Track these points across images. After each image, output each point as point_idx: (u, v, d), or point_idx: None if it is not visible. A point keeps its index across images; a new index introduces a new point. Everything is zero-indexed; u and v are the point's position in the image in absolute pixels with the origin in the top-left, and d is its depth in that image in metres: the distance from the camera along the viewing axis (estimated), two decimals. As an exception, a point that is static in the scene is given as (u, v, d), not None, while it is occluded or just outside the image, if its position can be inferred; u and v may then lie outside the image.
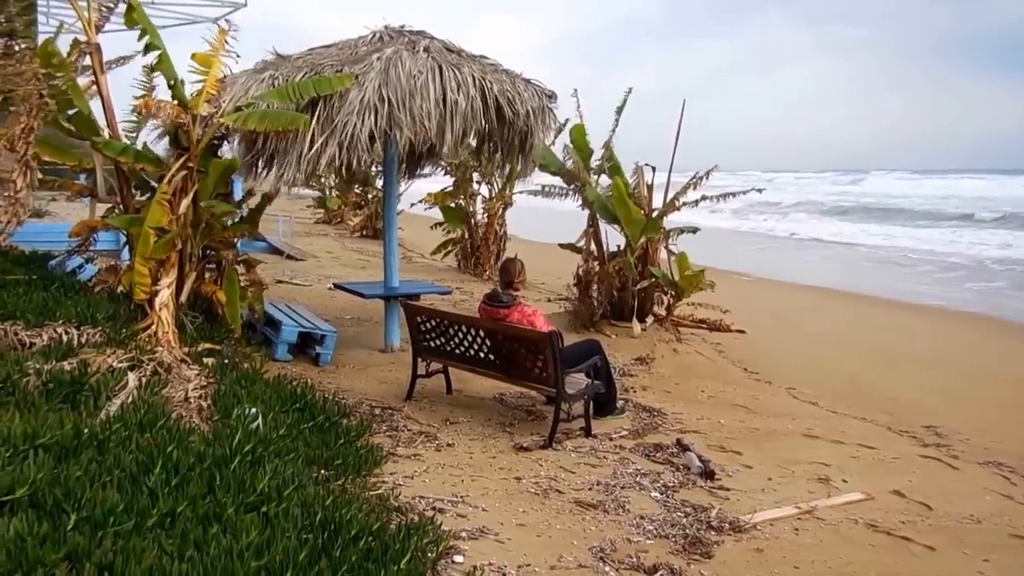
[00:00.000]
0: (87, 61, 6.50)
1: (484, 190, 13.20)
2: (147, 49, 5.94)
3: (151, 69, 6.32)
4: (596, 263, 8.75)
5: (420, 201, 13.71)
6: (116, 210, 6.61)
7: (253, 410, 4.33)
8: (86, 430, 3.46)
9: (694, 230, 8.79)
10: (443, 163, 11.96)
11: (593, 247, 8.84)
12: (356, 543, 2.91)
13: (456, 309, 8.91)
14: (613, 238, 8.79)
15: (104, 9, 6.53)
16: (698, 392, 6.86)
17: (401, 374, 6.49)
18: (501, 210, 13.12)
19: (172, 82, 5.95)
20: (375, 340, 7.69)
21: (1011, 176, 50.82)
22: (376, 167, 13.04)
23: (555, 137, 8.50)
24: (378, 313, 8.19)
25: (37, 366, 4.29)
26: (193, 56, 5.90)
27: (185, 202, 5.87)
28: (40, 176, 6.50)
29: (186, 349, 5.37)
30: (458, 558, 3.42)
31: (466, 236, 13.46)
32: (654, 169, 8.75)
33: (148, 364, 4.73)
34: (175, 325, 5.60)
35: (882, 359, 8.53)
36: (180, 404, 4.32)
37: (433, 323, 5.82)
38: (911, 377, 7.84)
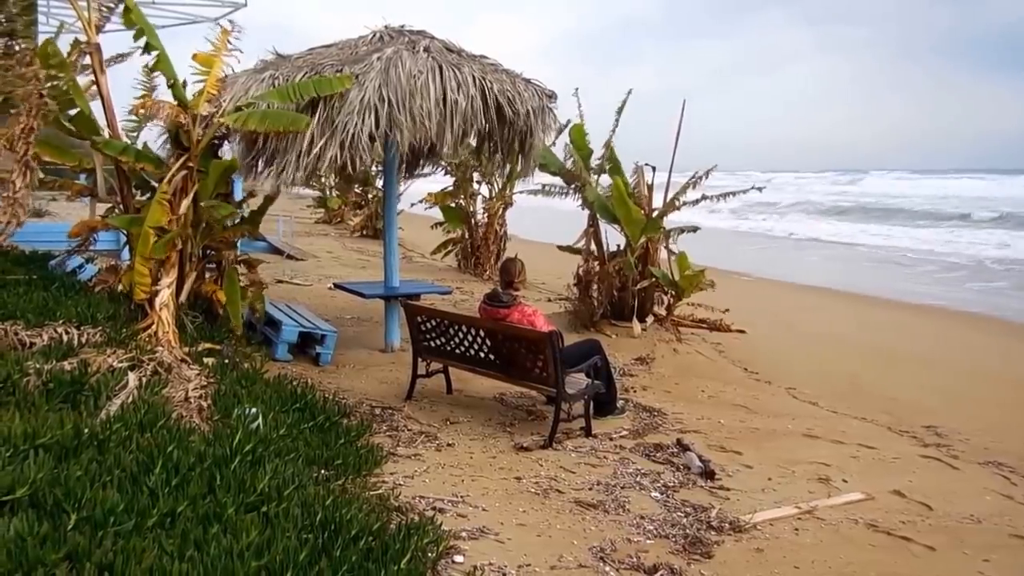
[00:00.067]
0: (87, 60, 6.50)
1: (484, 190, 13.20)
2: (146, 49, 5.94)
3: (151, 69, 6.33)
4: (596, 263, 8.75)
5: (420, 201, 13.71)
6: (116, 210, 6.61)
7: (253, 410, 4.34)
8: (86, 430, 3.46)
9: (694, 229, 8.80)
10: (443, 163, 11.96)
11: (593, 247, 8.84)
12: (356, 543, 2.91)
13: (456, 309, 8.91)
14: (613, 238, 8.79)
15: (104, 9, 6.53)
16: (698, 392, 6.86)
17: (401, 374, 6.49)
18: (501, 210, 13.12)
19: (171, 82, 5.95)
20: (375, 340, 7.69)
21: (1011, 176, 50.85)
22: (376, 167, 13.04)
23: (556, 137, 8.50)
24: (378, 313, 8.19)
25: (37, 366, 4.29)
26: (194, 56, 5.90)
27: (185, 202, 5.88)
28: (40, 176, 6.50)
29: (186, 349, 5.37)
30: (458, 558, 3.42)
31: (466, 236, 13.46)
32: (654, 169, 8.76)
33: (148, 364, 4.73)
34: (175, 325, 5.60)
35: (882, 359, 8.53)
36: (180, 404, 4.32)
37: (433, 323, 5.82)
38: (911, 377, 7.84)
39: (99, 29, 6.45)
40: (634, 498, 4.36)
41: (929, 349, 9.25)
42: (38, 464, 2.96)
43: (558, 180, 9.03)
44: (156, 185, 6.01)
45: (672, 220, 8.77)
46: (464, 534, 3.69)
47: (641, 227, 8.39)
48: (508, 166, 10.20)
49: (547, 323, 5.58)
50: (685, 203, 8.60)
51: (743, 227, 27.29)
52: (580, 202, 8.73)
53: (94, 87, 6.53)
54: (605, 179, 8.76)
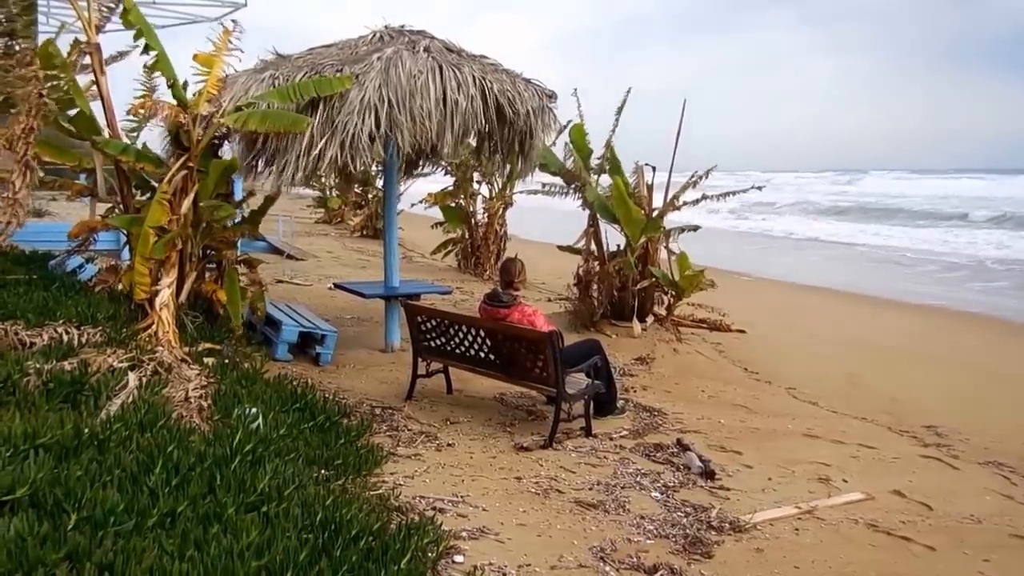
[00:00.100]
0: (87, 60, 6.50)
1: (484, 190, 13.20)
2: (144, 50, 5.94)
3: (150, 69, 6.33)
4: (596, 263, 8.75)
5: (420, 201, 13.71)
6: (116, 210, 6.61)
7: (253, 410, 4.34)
8: (86, 430, 3.46)
9: (695, 228, 8.80)
10: (443, 163, 11.97)
11: (593, 247, 8.84)
12: (356, 543, 2.91)
13: (456, 309, 8.91)
14: (613, 238, 8.79)
15: (105, 9, 6.53)
16: (698, 392, 6.86)
17: (401, 374, 6.49)
18: (501, 210, 13.12)
19: (171, 82, 5.95)
20: (375, 340, 7.69)
21: (1011, 176, 50.88)
22: (376, 167, 13.05)
23: (556, 137, 8.51)
24: (378, 313, 8.19)
25: (37, 366, 4.29)
26: (195, 56, 5.90)
27: (186, 202, 5.87)
28: (41, 175, 6.50)
29: (186, 349, 5.37)
30: (458, 558, 3.42)
31: (466, 236, 13.46)
32: (654, 169, 8.76)
33: (148, 364, 4.73)
34: (175, 325, 5.60)
35: (882, 359, 8.53)
36: (180, 404, 4.32)
37: (433, 323, 5.82)
38: (911, 377, 7.84)
39: (99, 29, 6.45)
40: (634, 498, 4.36)
41: (929, 349, 9.24)
42: (38, 464, 2.96)
43: (558, 180, 9.04)
44: (156, 185, 6.01)
45: (672, 220, 8.77)
46: (464, 534, 3.69)
47: (641, 227, 8.39)
48: (508, 166, 10.20)
49: (547, 323, 5.58)
50: (685, 203, 8.61)
51: (742, 227, 27.29)
52: (580, 202, 8.73)
53: (94, 87, 6.53)
54: (605, 179, 8.77)
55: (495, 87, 6.40)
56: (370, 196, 19.59)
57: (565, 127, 8.96)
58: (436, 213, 13.95)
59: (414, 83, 5.98)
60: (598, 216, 8.69)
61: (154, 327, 5.42)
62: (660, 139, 9.26)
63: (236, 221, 6.84)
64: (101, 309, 5.68)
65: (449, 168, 12.73)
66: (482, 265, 13.12)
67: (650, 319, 8.51)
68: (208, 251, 6.51)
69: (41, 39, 6.98)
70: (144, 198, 6.42)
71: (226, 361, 5.41)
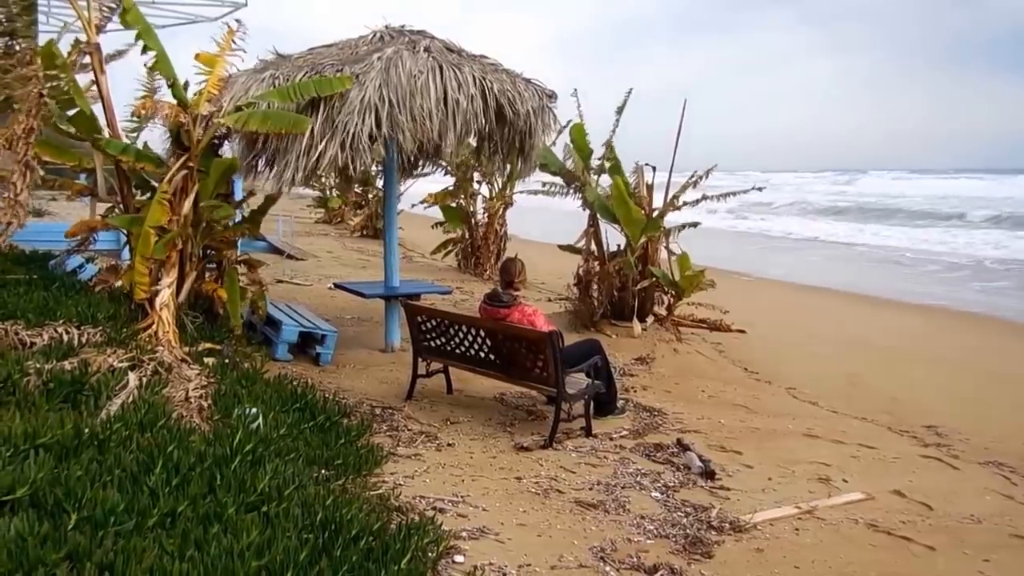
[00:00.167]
0: (87, 60, 6.50)
1: (484, 190, 13.20)
2: (144, 50, 5.94)
3: (150, 69, 6.33)
4: (596, 263, 8.76)
5: (421, 202, 13.71)
6: (116, 210, 6.61)
7: (254, 410, 4.34)
8: (87, 430, 3.46)
9: (695, 224, 8.79)
10: (443, 163, 11.97)
11: (593, 247, 8.85)
12: (357, 543, 2.91)
13: (456, 309, 8.91)
14: (613, 238, 8.79)
15: (106, 9, 6.53)
16: (698, 392, 6.86)
17: (401, 374, 6.49)
18: (501, 210, 13.12)
19: (171, 82, 5.95)
20: (375, 340, 7.69)
21: (1010, 176, 50.89)
22: (376, 167, 13.06)
23: (555, 137, 8.51)
24: (378, 313, 8.19)
25: (37, 366, 4.29)
26: (197, 56, 5.90)
27: (187, 202, 5.88)
28: (41, 175, 6.50)
29: (186, 349, 5.37)
30: (459, 558, 3.42)
31: (466, 236, 13.46)
32: (654, 169, 8.76)
33: (148, 364, 4.73)
34: (175, 325, 5.60)
35: (882, 359, 8.53)
36: (181, 404, 4.32)
37: (433, 323, 5.82)
38: (911, 377, 7.84)
39: (99, 29, 6.45)
40: (634, 498, 4.36)
41: (929, 349, 9.24)
42: (38, 464, 2.96)
43: (558, 180, 9.04)
44: (156, 185, 6.01)
45: (672, 220, 8.77)
46: (464, 534, 3.69)
47: (641, 227, 8.39)
48: (508, 166, 10.20)
49: (547, 323, 5.58)
50: (685, 203, 8.61)
51: (740, 227, 27.28)
52: (580, 202, 8.73)
53: (94, 87, 6.52)
54: (605, 179, 8.77)
55: (495, 87, 6.41)
56: (370, 196, 19.60)
57: (565, 126, 8.97)
58: (436, 213, 13.95)
59: (414, 83, 5.98)
60: (598, 216, 8.69)
61: (154, 327, 5.42)
62: (660, 139, 9.27)
63: (236, 221, 6.84)
64: (101, 309, 5.68)
65: (449, 168, 12.73)
66: (482, 265, 13.12)
67: (650, 319, 8.52)
68: (208, 251, 6.51)
69: (42, 39, 6.98)
70: (144, 198, 6.42)
71: (226, 361, 5.41)
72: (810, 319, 10.90)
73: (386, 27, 6.79)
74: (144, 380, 4.44)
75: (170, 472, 3.16)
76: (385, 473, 4.34)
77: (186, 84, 6.06)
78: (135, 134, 6.86)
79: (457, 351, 5.75)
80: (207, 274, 6.52)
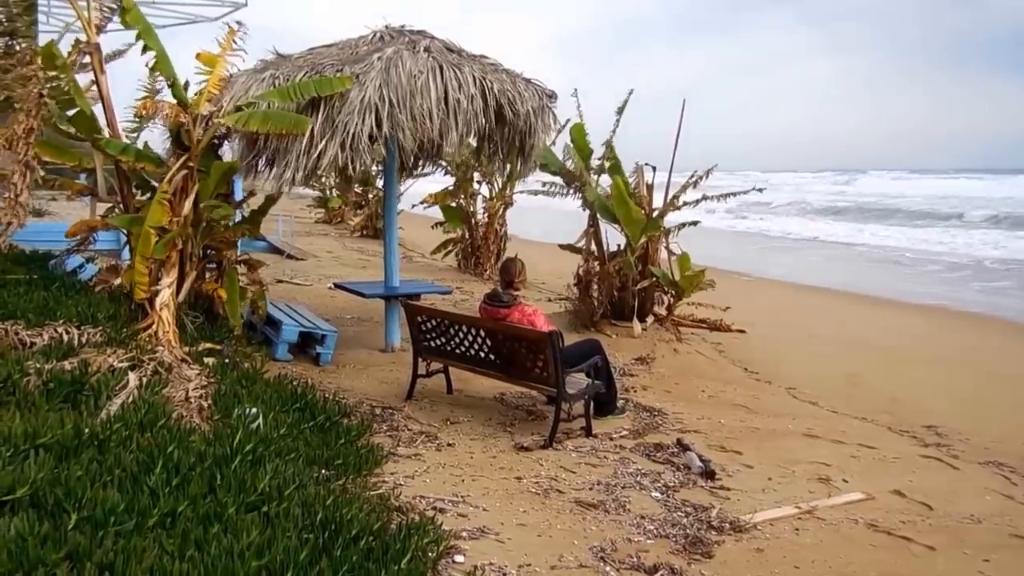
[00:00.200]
0: (87, 60, 6.50)
1: (484, 190, 13.20)
2: (144, 50, 5.94)
3: (150, 69, 6.33)
4: (596, 263, 8.76)
5: (421, 202, 13.71)
6: (116, 210, 6.61)
7: (254, 410, 4.34)
8: (87, 430, 3.46)
9: (695, 223, 8.79)
10: (443, 163, 11.97)
11: (593, 247, 8.85)
12: (357, 543, 2.91)
13: (456, 309, 8.91)
14: (613, 238, 8.79)
15: (106, 10, 6.53)
16: (698, 392, 6.86)
17: (401, 374, 6.49)
18: (501, 210, 13.12)
19: (171, 81, 5.95)
20: (375, 340, 7.69)
21: (1010, 176, 50.92)
22: (376, 167, 13.06)
23: (555, 136, 8.52)
24: (378, 313, 8.19)
25: (38, 366, 4.29)
26: (198, 56, 5.91)
27: (187, 203, 5.88)
28: (41, 175, 6.50)
29: (186, 349, 5.37)
30: (459, 558, 3.42)
31: (466, 236, 13.46)
32: (654, 169, 8.77)
33: (148, 364, 4.73)
34: (175, 325, 5.60)
35: (882, 359, 8.53)
36: (181, 404, 4.32)
37: (434, 323, 5.82)
38: (911, 377, 7.84)
39: (100, 29, 6.45)
40: (634, 498, 4.36)
41: (929, 349, 9.25)
42: (39, 464, 2.96)
43: (558, 180, 9.04)
44: (156, 185, 6.01)
45: (672, 220, 8.78)
46: (464, 534, 3.69)
47: (641, 227, 8.39)
48: (508, 166, 10.20)
49: (547, 323, 5.58)
50: (685, 203, 8.61)
51: (739, 227, 27.26)
52: (580, 202, 8.73)
53: (94, 87, 6.53)
54: (605, 179, 8.77)
55: (495, 87, 6.41)
56: (370, 196, 19.60)
57: (564, 125, 8.98)
58: (436, 213, 13.96)
59: (414, 83, 5.98)
60: (598, 216, 8.69)
61: (154, 327, 5.42)
62: (660, 139, 9.28)
63: (236, 221, 6.84)
64: (101, 309, 5.68)
65: (449, 168, 12.74)
66: (482, 265, 13.12)
67: (650, 319, 8.51)
68: (208, 251, 6.51)
69: (43, 39, 6.98)
70: (144, 198, 6.42)
71: (226, 361, 5.41)
72: (810, 319, 10.90)
73: (386, 27, 6.79)
74: (144, 380, 4.44)
75: (170, 472, 3.16)
76: (385, 473, 4.34)
77: (186, 84, 6.06)
78: (135, 134, 6.85)
79: (457, 351, 5.75)
80: (207, 274, 6.52)
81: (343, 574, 2.68)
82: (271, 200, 6.94)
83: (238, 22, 6.18)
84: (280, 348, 6.71)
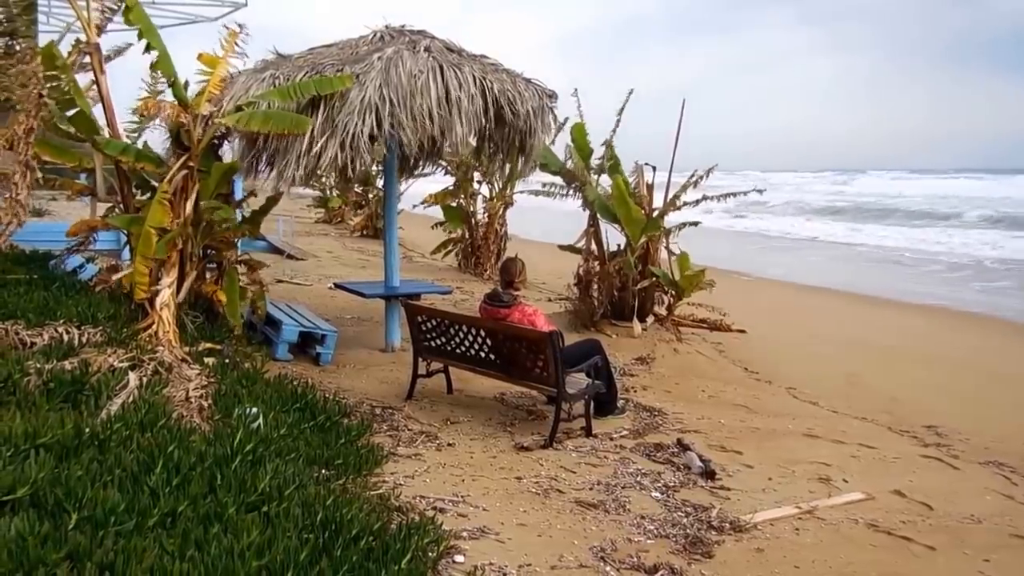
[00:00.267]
0: (86, 60, 6.51)
1: (484, 190, 13.20)
2: (146, 49, 5.94)
3: (151, 68, 6.33)
4: (596, 263, 8.76)
5: (422, 203, 13.71)
6: (116, 210, 6.61)
7: (254, 410, 4.34)
8: (87, 429, 3.46)
9: (696, 223, 8.79)
10: (443, 163, 11.97)
11: (593, 247, 8.84)
12: (357, 543, 2.91)
13: (456, 309, 8.91)
14: (613, 237, 8.79)
15: (107, 11, 6.53)
16: (698, 392, 6.86)
17: (402, 374, 6.49)
18: (501, 210, 13.12)
19: (172, 81, 5.96)
20: (376, 340, 7.69)
21: (1009, 176, 50.94)
22: (377, 167, 13.06)
23: (555, 136, 8.51)
24: (379, 313, 8.19)
25: (38, 365, 4.29)
26: (200, 57, 5.91)
27: (188, 203, 5.88)
28: (41, 175, 6.50)
29: (187, 349, 5.37)
30: (459, 558, 3.42)
31: (466, 236, 13.46)
32: (654, 169, 8.77)
33: (149, 364, 4.73)
34: (175, 325, 5.60)
35: (882, 359, 8.53)
36: (181, 404, 4.32)
37: (434, 323, 5.82)
38: (911, 377, 7.84)
39: (100, 30, 6.45)
40: (635, 498, 4.36)
41: (929, 349, 9.25)
42: (39, 464, 2.96)
43: (558, 180, 9.04)
44: (156, 185, 6.01)
45: (672, 221, 8.78)
46: (465, 534, 3.69)
47: (641, 227, 8.39)
48: (508, 166, 10.20)
49: (548, 323, 5.58)
50: (685, 203, 8.61)
51: (738, 226, 27.24)
52: (580, 202, 8.73)
53: (94, 87, 6.53)
54: (605, 179, 8.77)
55: (495, 87, 6.41)
56: (370, 196, 19.60)
57: (563, 124, 8.98)
58: (436, 212, 13.95)
59: (414, 83, 5.98)
60: (598, 216, 8.69)
61: (154, 327, 5.42)
62: (660, 139, 9.28)
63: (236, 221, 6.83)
64: (101, 309, 5.68)
65: (449, 168, 12.74)
66: (482, 265, 13.12)
67: (650, 319, 8.52)
68: (208, 251, 6.51)
69: (43, 39, 6.98)
70: (144, 198, 6.42)
71: (226, 361, 5.41)
72: (810, 319, 10.90)
73: (386, 27, 6.79)
74: (144, 380, 4.44)
75: (170, 472, 3.16)
76: (385, 473, 4.34)
77: (186, 84, 6.06)
78: (136, 134, 6.85)
79: (457, 351, 5.75)
80: (207, 274, 6.52)
81: (343, 574, 2.68)
82: (272, 201, 6.94)
83: (239, 24, 6.19)
84: (280, 348, 6.71)
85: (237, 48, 6.06)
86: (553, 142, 8.54)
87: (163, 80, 6.32)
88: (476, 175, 12.93)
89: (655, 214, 8.55)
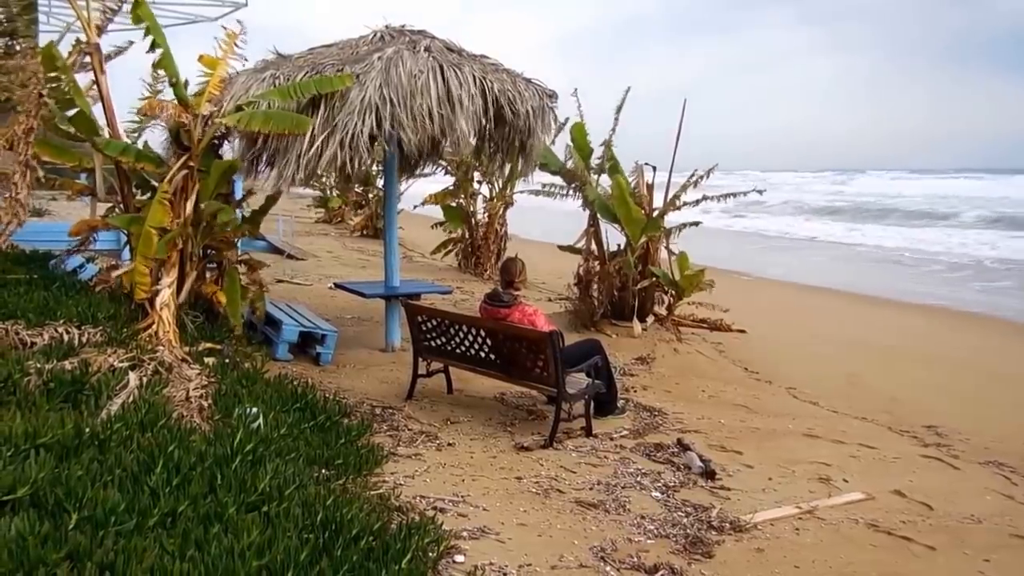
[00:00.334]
0: (86, 59, 6.51)
1: (484, 190, 13.20)
2: (152, 47, 5.94)
3: (154, 66, 6.33)
4: (596, 263, 8.76)
5: (423, 203, 13.70)
6: (116, 210, 6.61)
7: (254, 409, 4.34)
8: (87, 429, 3.46)
9: (696, 223, 8.80)
10: (443, 163, 11.97)
11: (593, 247, 8.85)
12: (357, 543, 2.91)
13: (457, 309, 8.91)
14: (613, 237, 8.79)
15: (108, 12, 6.53)
16: (698, 392, 6.86)
17: (402, 374, 6.49)
18: (502, 210, 13.12)
19: (173, 80, 5.96)
20: (376, 340, 7.69)
21: (1008, 176, 50.97)
22: (377, 166, 13.06)
23: (555, 136, 8.51)
24: (379, 313, 8.19)
25: (38, 365, 4.29)
26: (200, 58, 5.91)
27: (188, 203, 5.88)
28: (41, 175, 6.51)
29: (187, 349, 5.37)
30: (459, 558, 3.42)
31: (466, 236, 13.46)
32: (655, 169, 8.77)
33: (149, 364, 4.73)
34: (176, 325, 5.60)
35: (882, 359, 8.53)
36: (181, 403, 4.32)
37: (434, 323, 5.82)
38: (911, 377, 7.84)
39: (101, 30, 6.45)
40: (635, 498, 4.36)
41: (930, 349, 9.25)
42: (39, 464, 2.96)
43: (558, 179, 9.04)
44: (156, 185, 6.01)
45: (672, 221, 8.78)
46: (465, 534, 3.69)
47: (641, 227, 8.39)
48: (508, 166, 10.21)
49: (548, 323, 5.58)
50: (685, 203, 8.61)
51: (737, 226, 27.21)
52: (580, 202, 8.73)
53: (94, 87, 6.53)
54: (605, 179, 8.77)
55: (495, 87, 6.40)
56: (370, 196, 19.60)
57: (564, 124, 8.98)
58: (436, 212, 13.95)
59: (415, 83, 5.98)
60: (598, 216, 8.69)
61: (154, 327, 5.43)
62: (660, 139, 9.28)
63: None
64: (101, 309, 5.68)
65: (449, 168, 12.74)
66: (482, 265, 13.12)
67: (650, 319, 8.52)
68: (208, 251, 6.51)
69: (43, 39, 6.99)
70: (144, 198, 6.42)
71: (226, 361, 5.41)
72: (810, 319, 10.90)
73: (386, 27, 6.79)
74: (144, 380, 4.44)
75: (171, 472, 3.16)
76: (385, 473, 4.34)
77: (186, 83, 6.06)
78: (136, 134, 6.86)
79: (457, 351, 5.75)
80: (207, 274, 6.52)
81: (343, 574, 2.68)
82: (272, 200, 6.95)
83: (239, 22, 6.18)
84: (280, 348, 6.71)
85: (237, 49, 6.05)
86: (553, 142, 8.54)
87: (164, 80, 6.32)
88: (476, 175, 12.93)
89: (655, 214, 8.55)
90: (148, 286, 5.63)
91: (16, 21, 6.50)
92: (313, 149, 5.80)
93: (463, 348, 5.69)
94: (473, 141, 7.34)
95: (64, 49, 6.57)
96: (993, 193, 37.54)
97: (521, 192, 12.09)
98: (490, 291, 5.86)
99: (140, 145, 6.58)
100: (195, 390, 4.52)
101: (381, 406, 5.72)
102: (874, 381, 7.57)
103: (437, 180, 12.99)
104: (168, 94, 6.26)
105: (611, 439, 5.35)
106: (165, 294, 5.63)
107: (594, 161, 8.81)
